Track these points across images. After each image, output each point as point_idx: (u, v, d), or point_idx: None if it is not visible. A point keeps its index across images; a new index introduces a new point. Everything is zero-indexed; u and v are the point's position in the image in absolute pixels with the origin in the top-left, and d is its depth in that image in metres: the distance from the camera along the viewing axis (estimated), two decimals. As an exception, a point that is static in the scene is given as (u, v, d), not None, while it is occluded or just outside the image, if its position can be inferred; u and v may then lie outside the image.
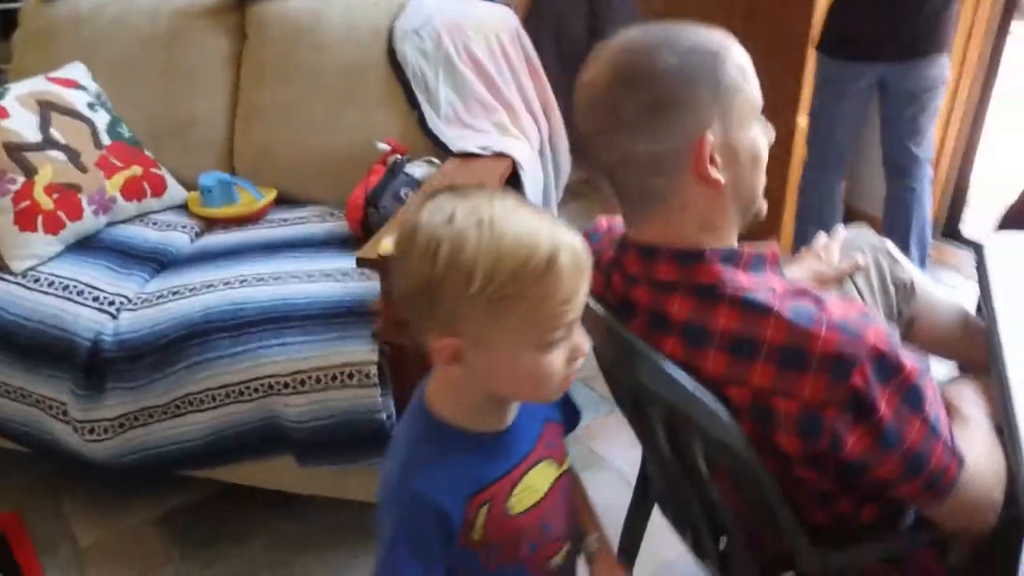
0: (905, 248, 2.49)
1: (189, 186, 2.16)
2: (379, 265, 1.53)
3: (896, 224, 2.51)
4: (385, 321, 1.61)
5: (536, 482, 0.93)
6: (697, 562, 1.31)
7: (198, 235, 2.06)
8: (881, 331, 0.87)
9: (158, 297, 1.77)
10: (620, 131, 0.91)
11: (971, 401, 1.10)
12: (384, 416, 1.62)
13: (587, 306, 1.04)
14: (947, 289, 2.51)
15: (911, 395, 0.88)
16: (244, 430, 1.68)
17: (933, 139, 2.49)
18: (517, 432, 0.93)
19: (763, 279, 0.94)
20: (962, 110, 2.74)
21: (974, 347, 1.28)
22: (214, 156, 2.21)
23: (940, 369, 1.42)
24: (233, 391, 1.64)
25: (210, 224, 2.09)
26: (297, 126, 2.12)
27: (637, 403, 1.10)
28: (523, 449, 0.93)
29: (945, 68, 2.37)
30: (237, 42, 2.22)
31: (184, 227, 2.06)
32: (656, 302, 0.97)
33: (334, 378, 1.60)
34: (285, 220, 2.06)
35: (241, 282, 1.78)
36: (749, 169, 0.96)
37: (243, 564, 1.83)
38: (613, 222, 1.12)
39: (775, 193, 2.71)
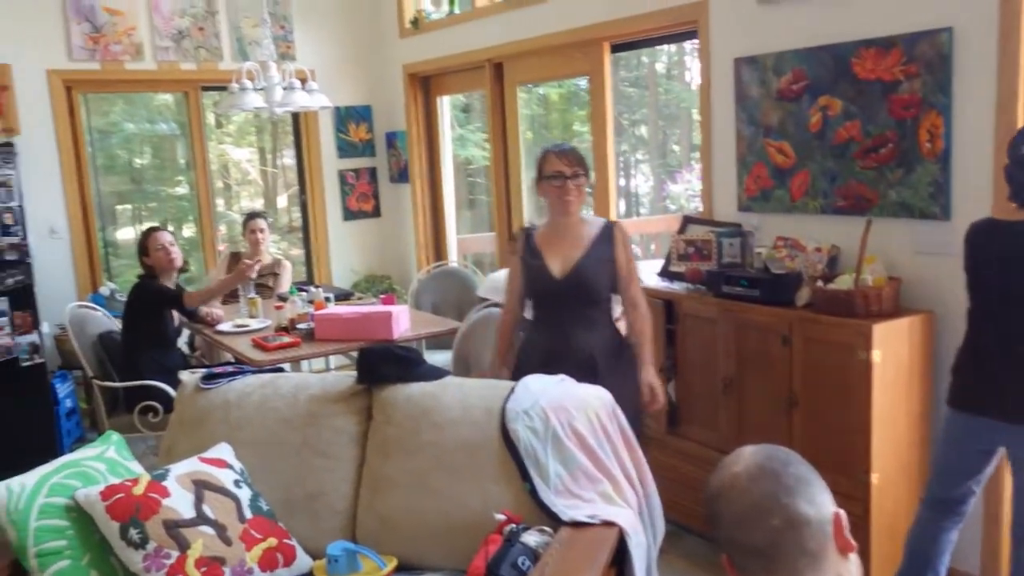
0: None
1: (313, 554, 2.32)
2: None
3: None
4: None
5: None
6: None
7: (324, 603, 2.18)
8: None
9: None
10: (784, 492, 1.13)
11: None
12: None
13: None
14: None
15: None
16: None
17: None
18: None
19: None
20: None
21: None
22: (338, 526, 2.40)
23: None
24: None
25: (334, 592, 2.22)
26: (418, 497, 2.33)
27: None
28: None
29: None
30: (364, 422, 2.52)
31: (310, 596, 2.19)
32: None
33: None
34: (406, 587, 2.19)
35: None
36: None
37: None
38: None
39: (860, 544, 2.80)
